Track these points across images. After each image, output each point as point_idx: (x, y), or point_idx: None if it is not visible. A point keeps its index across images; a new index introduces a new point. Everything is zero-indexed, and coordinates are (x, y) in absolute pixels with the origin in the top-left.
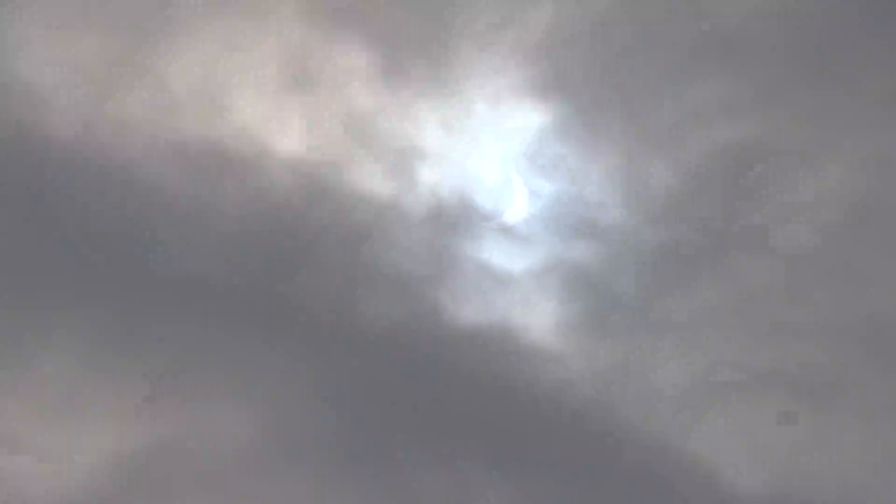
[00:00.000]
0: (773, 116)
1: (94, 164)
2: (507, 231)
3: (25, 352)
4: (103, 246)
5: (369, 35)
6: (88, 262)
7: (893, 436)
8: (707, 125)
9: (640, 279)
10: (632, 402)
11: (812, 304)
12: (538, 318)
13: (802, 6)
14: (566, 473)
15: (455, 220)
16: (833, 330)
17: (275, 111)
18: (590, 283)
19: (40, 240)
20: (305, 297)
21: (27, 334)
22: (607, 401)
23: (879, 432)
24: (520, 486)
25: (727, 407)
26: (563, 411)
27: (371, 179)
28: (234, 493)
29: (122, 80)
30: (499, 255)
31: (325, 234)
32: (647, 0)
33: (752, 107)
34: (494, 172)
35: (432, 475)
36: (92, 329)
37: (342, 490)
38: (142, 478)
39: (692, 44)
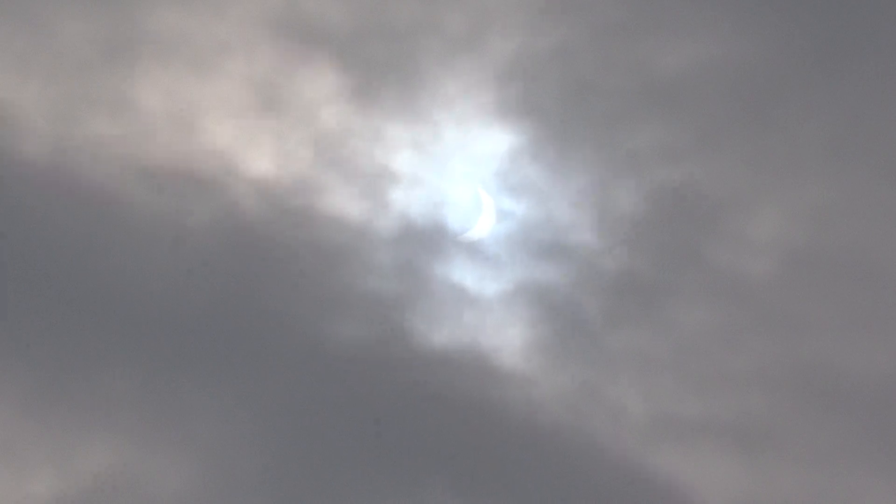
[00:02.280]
0: (713, 161)
1: (64, 186)
2: (477, 252)
3: None
4: (57, 277)
5: (339, 58)
6: (36, 297)
7: (828, 481)
8: (664, 158)
9: (605, 303)
10: (599, 423)
11: (748, 352)
12: (508, 339)
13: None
14: (534, 495)
15: (425, 241)
16: (769, 376)
17: (245, 133)
18: (558, 306)
19: None
20: (274, 321)
21: None
22: (575, 422)
23: (815, 477)
24: None
25: (683, 438)
26: (531, 433)
27: (341, 201)
28: None
29: (92, 101)
30: (469, 277)
31: (294, 256)
32: (613, 27)
33: (692, 151)
34: (465, 194)
35: (397, 501)
36: (29, 373)
37: None
38: None
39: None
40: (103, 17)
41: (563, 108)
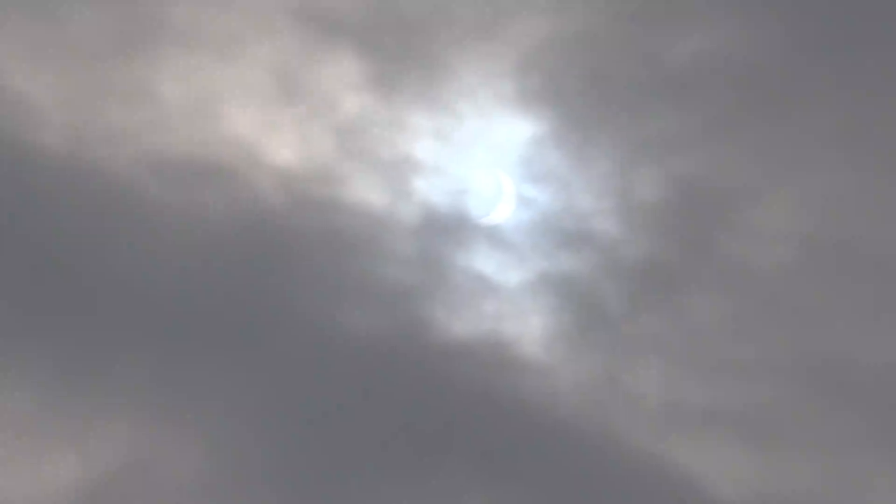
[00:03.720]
0: (731, 150)
1: (84, 177)
2: (499, 241)
3: None
4: (75, 267)
5: (360, 46)
6: (54, 287)
7: (838, 473)
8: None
9: (626, 292)
10: (618, 413)
11: (758, 342)
12: (529, 329)
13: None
14: (552, 483)
15: (447, 230)
16: (783, 366)
17: (265, 122)
18: (580, 294)
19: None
20: (293, 311)
21: None
22: (595, 412)
23: (826, 468)
24: (507, 498)
25: (697, 428)
26: (551, 423)
27: (363, 191)
28: None
29: (109, 90)
30: (491, 266)
31: (315, 246)
32: (633, 15)
33: (710, 139)
34: (487, 182)
35: (415, 494)
36: (47, 362)
37: None
38: None
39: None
40: (121, 3)
41: (585, 95)
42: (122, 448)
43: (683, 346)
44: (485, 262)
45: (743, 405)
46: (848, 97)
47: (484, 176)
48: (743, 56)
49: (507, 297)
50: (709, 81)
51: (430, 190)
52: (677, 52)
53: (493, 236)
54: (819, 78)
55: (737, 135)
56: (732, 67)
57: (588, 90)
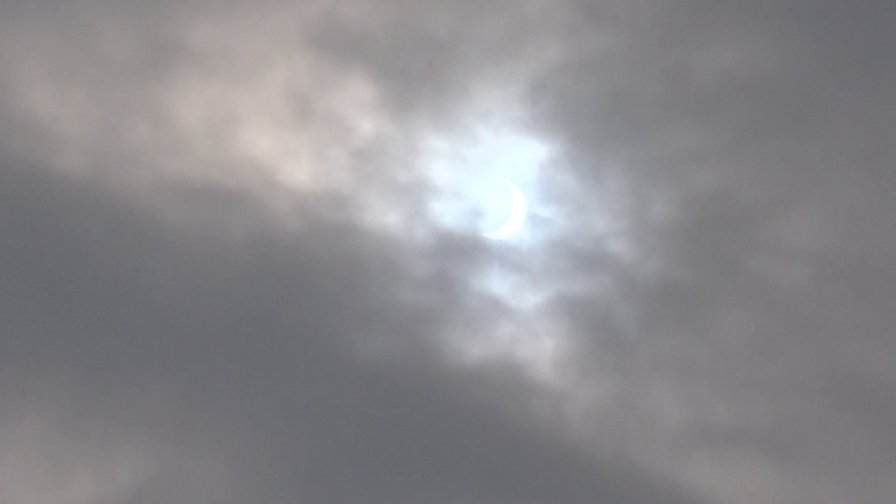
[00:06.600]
0: (749, 168)
1: (102, 199)
2: (514, 263)
3: (4, 408)
4: (94, 290)
5: (376, 69)
6: (74, 310)
7: (864, 489)
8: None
9: (642, 312)
10: (635, 435)
11: (784, 359)
12: (542, 352)
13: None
14: None
15: (462, 253)
16: (804, 383)
17: (282, 145)
18: (595, 316)
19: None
20: (308, 333)
21: (6, 390)
22: (611, 435)
23: (850, 485)
24: None
25: (718, 447)
26: (565, 447)
27: (378, 213)
28: None
29: (129, 114)
30: (506, 288)
31: (330, 268)
32: (647, 36)
33: (727, 158)
34: (502, 204)
35: None
36: (69, 384)
37: None
38: None
39: (693, 80)
40: (141, 30)
41: (600, 116)
42: (142, 468)
43: (705, 366)
44: (499, 285)
45: (766, 422)
46: (872, 113)
47: (499, 197)
48: (766, 73)
49: (520, 320)
50: (730, 99)
51: (445, 212)
52: (698, 70)
53: (508, 258)
54: (843, 94)
55: (760, 152)
56: (755, 84)
57: (602, 111)
